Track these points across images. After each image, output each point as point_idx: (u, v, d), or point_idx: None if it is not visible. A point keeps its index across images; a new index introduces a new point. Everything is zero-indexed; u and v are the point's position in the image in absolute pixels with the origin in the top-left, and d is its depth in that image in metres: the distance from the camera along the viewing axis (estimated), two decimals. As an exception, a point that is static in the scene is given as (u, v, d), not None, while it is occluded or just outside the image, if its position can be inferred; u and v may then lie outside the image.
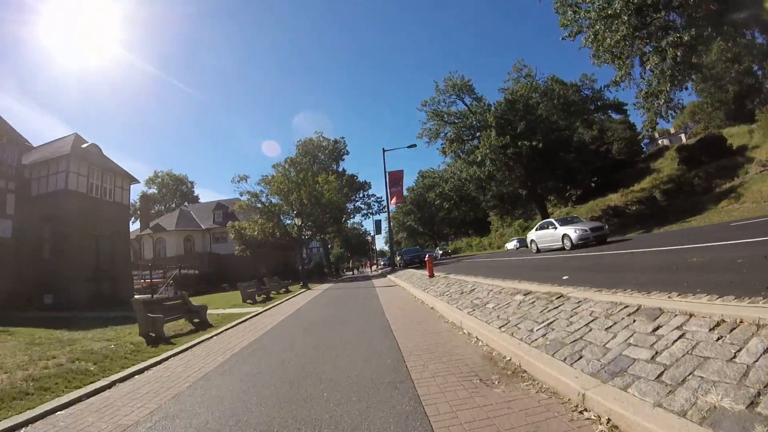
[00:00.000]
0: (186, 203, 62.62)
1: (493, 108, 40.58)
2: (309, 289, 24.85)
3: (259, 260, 39.72)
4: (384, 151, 34.78)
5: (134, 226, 53.89)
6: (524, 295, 7.17)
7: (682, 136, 59.53)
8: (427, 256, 16.97)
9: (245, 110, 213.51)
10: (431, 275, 14.72)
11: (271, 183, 36.00)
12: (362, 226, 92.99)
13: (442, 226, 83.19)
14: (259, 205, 36.30)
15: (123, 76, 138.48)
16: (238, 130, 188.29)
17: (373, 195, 53.43)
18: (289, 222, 38.23)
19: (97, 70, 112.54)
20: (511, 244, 50.50)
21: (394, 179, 35.11)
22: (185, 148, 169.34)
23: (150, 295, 29.39)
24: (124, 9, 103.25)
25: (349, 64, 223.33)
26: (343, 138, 52.79)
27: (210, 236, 47.99)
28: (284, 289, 24.13)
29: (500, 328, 5.91)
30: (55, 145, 26.44)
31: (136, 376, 6.59)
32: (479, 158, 37.09)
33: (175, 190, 74.75)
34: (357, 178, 52.40)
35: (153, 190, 74.09)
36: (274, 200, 36.72)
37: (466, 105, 43.46)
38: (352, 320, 9.49)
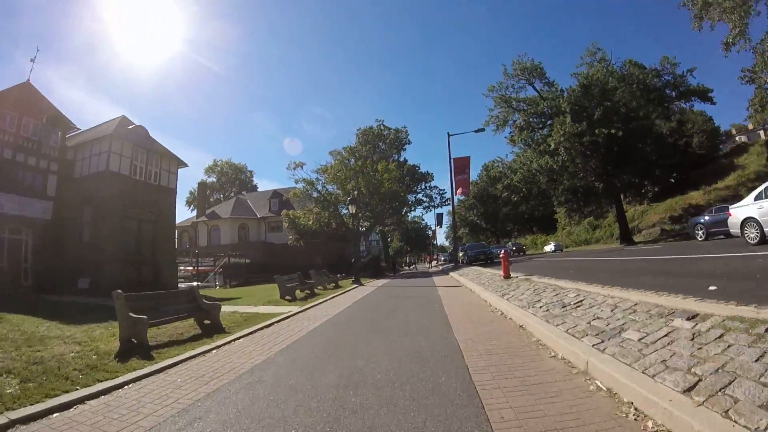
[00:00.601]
0: (243, 192, 61.91)
1: (566, 94, 36.74)
2: (361, 285, 22.07)
3: (313, 251, 37.89)
4: (449, 135, 31.61)
5: (192, 213, 53.79)
6: (688, 319, 4.11)
7: (761, 132, 54.49)
8: (501, 251, 13.34)
9: (308, 104, 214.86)
10: (507, 276, 11.61)
11: (328, 171, 33.81)
12: (423, 220, 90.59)
13: (505, 222, 79.25)
14: (315, 194, 34.18)
15: (187, 72, 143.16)
16: (299, 124, 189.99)
17: (435, 187, 49.77)
18: (345, 212, 36.17)
19: (165, 67, 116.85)
20: (549, 247, 47.64)
21: (460, 167, 31.49)
22: (246, 139, 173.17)
23: (196, 283, 28.12)
24: (189, 9, 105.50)
25: (410, 54, 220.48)
26: (404, 127, 49.43)
27: (265, 225, 46.70)
28: (333, 284, 21.60)
29: (688, 392, 2.90)
30: (101, 126, 25.56)
31: (41, 420, 4.06)
32: (552, 146, 33.30)
33: (234, 179, 74.53)
34: (419, 168, 49.23)
35: (212, 179, 74.28)
36: (330, 188, 34.42)
37: (536, 90, 39.69)
38: (404, 338, 6.60)
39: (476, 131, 33.31)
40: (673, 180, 46.55)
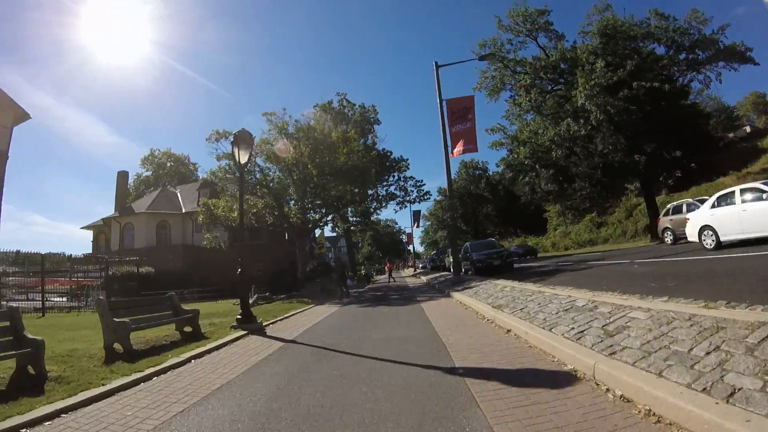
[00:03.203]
0: (174, 185, 50.46)
1: (581, 48, 28.28)
2: (260, 333, 9.26)
3: (253, 257, 27.81)
4: (437, 66, 20.52)
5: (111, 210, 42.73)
6: None
7: (747, 128, 51.68)
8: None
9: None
10: None
11: (260, 144, 24.07)
12: (396, 222, 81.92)
13: (486, 223, 72.47)
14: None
15: (155, 75, 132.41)
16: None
17: (412, 177, 39.36)
18: (290, 200, 26.69)
19: (132, 69, 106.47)
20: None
21: (459, 111, 19.77)
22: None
23: (41, 307, 17.87)
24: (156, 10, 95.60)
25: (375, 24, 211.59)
26: (373, 105, 39.13)
27: (192, 223, 35.73)
28: (189, 328, 9.18)
29: None
30: None
31: None
32: (581, 102, 24.25)
33: (174, 173, 62.50)
34: (391, 154, 39.33)
35: (148, 173, 63.07)
36: (261, 163, 24.54)
37: (540, 47, 30.82)
38: None
39: (480, 59, 23.53)
40: (694, 165, 39.14)
